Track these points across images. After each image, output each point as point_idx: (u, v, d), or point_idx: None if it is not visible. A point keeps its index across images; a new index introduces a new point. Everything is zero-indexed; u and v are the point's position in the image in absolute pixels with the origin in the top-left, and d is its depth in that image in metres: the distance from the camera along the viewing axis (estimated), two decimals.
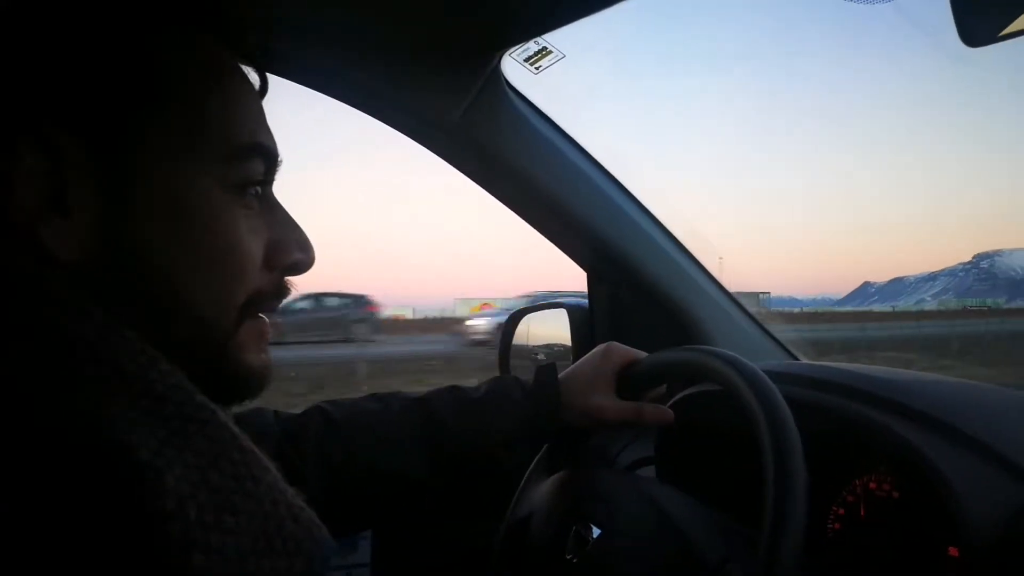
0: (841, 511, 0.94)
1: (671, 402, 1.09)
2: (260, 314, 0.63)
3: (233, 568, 0.43)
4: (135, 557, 0.40)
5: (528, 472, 1.09)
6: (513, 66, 1.19)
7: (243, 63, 0.64)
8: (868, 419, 0.87)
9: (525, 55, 1.16)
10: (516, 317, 1.69)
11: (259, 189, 0.62)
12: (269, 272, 0.62)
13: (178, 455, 0.43)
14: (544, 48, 1.14)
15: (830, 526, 0.95)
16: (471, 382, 1.05)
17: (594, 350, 1.06)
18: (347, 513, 0.93)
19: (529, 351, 1.67)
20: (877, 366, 1.07)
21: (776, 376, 0.84)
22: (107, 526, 0.40)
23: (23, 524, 0.39)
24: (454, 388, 1.03)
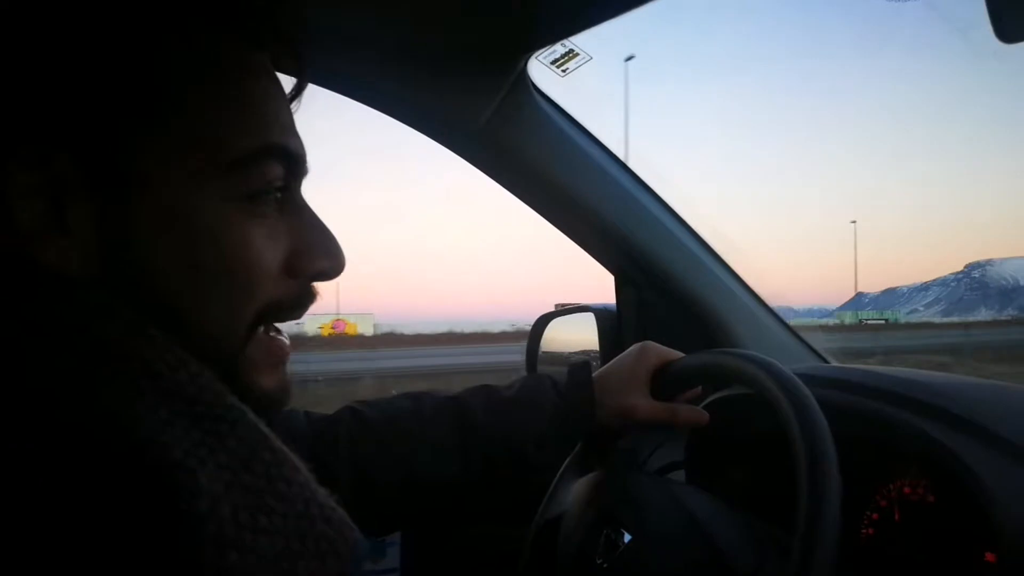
0: (875, 516, 0.93)
1: (702, 405, 1.09)
2: (277, 328, 0.61)
3: (267, 567, 0.43)
4: (170, 556, 0.40)
5: (560, 471, 1.09)
6: (540, 69, 1.19)
7: (274, 65, 0.62)
8: (902, 422, 0.86)
9: (552, 57, 1.16)
10: (543, 321, 1.69)
11: (278, 194, 0.58)
12: (291, 280, 0.59)
13: (211, 455, 0.43)
14: (571, 51, 1.14)
15: (864, 531, 0.93)
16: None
17: (629, 349, 1.05)
18: (379, 514, 0.93)
19: (556, 356, 1.67)
20: (909, 368, 1.06)
21: (808, 379, 0.83)
22: (143, 526, 0.40)
23: (60, 524, 0.39)
24: (486, 387, 1.02)
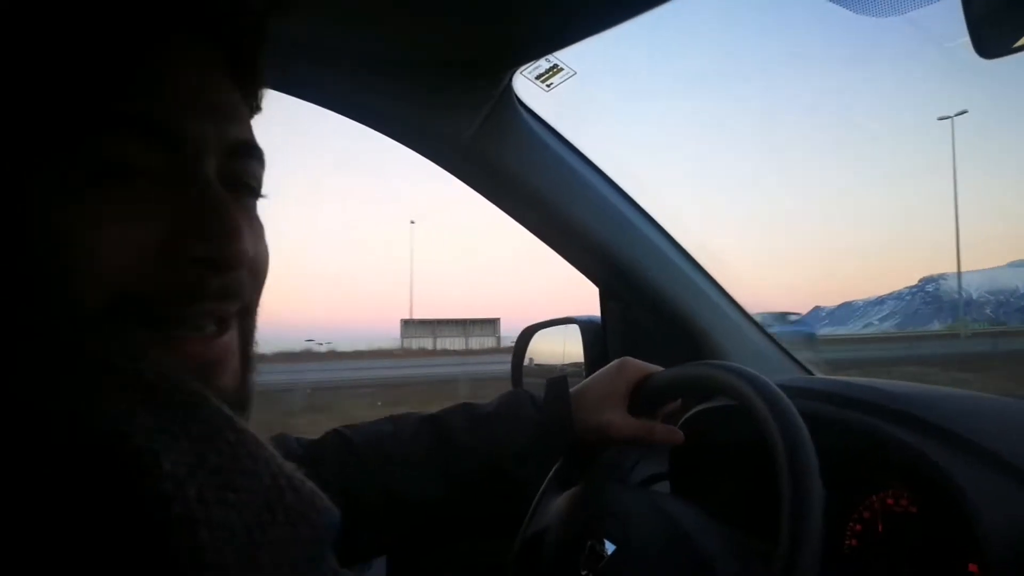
0: (858, 527, 0.93)
1: (685, 417, 1.09)
2: (168, 316, 0.54)
3: (240, 540, 0.42)
4: (141, 540, 0.40)
5: (542, 487, 1.09)
6: (525, 83, 1.20)
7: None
8: (884, 433, 0.87)
9: (536, 72, 1.16)
10: (528, 333, 1.69)
11: (157, 169, 0.53)
12: (169, 269, 0.52)
13: (174, 441, 0.43)
14: (555, 65, 1.15)
15: (847, 542, 0.94)
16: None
17: (609, 365, 1.06)
18: (366, 538, 0.94)
19: (542, 367, 1.67)
20: (893, 380, 1.07)
21: (791, 391, 0.84)
22: (109, 512, 0.40)
23: (23, 519, 0.39)
24: (466, 405, 1.03)
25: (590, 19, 1.03)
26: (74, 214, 0.50)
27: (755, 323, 1.45)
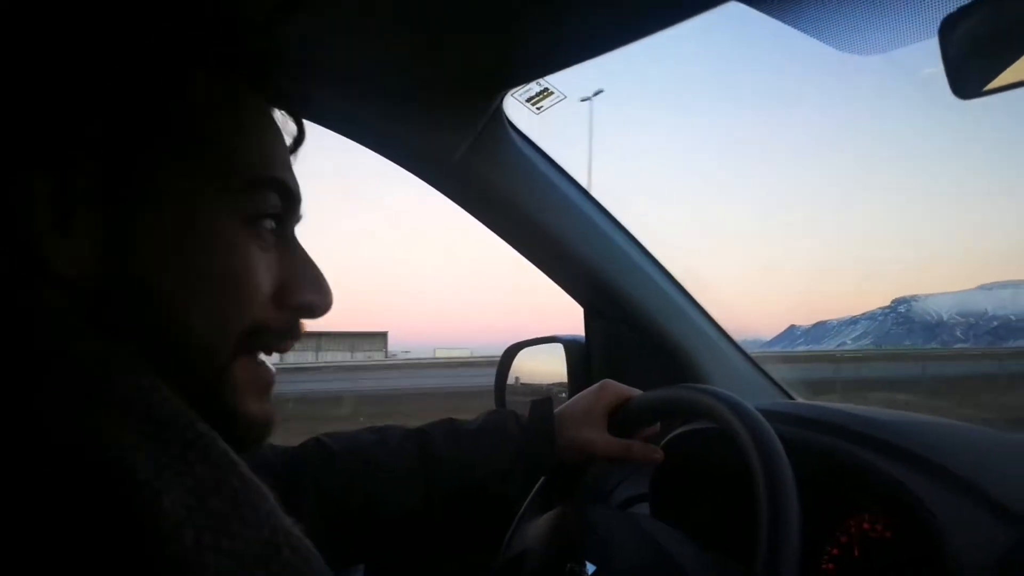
0: (835, 551, 0.94)
1: (666, 440, 1.10)
2: (263, 354, 0.61)
3: None
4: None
5: (523, 507, 1.10)
6: (515, 106, 1.22)
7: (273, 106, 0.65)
8: (861, 459, 0.88)
9: (527, 95, 1.18)
10: (512, 352, 1.69)
11: (275, 225, 0.61)
12: (278, 310, 0.60)
13: (177, 479, 0.43)
14: (546, 89, 1.16)
15: (824, 566, 0.95)
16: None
17: (591, 387, 1.07)
18: (344, 546, 0.94)
19: (524, 387, 1.67)
20: (871, 407, 1.08)
21: (770, 415, 0.85)
22: (105, 547, 0.39)
23: (21, 543, 0.39)
24: (450, 420, 1.04)
25: (582, 45, 1.04)
26: (237, 247, 0.57)
27: (737, 346, 1.47)
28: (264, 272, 0.59)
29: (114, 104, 0.53)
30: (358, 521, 0.94)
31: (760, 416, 0.81)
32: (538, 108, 1.21)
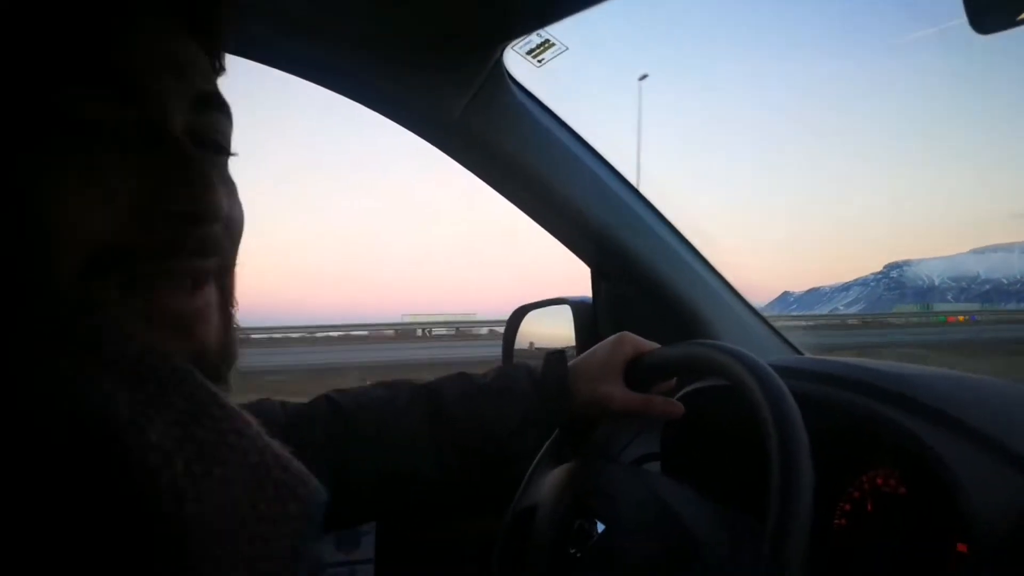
0: (847, 507, 0.93)
1: (677, 396, 1.09)
2: (144, 271, 0.52)
3: (228, 514, 0.42)
4: (128, 513, 0.40)
5: (535, 461, 1.09)
6: (516, 60, 1.19)
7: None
8: (875, 413, 0.87)
9: (527, 48, 1.15)
10: (520, 313, 1.69)
11: (107, 128, 0.51)
12: (145, 225, 0.51)
13: (158, 414, 0.43)
14: (547, 41, 1.13)
15: (836, 522, 0.94)
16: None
17: (607, 339, 1.05)
18: (354, 503, 0.93)
19: (532, 349, 1.67)
20: (883, 360, 1.06)
21: (783, 371, 0.83)
22: (96, 486, 0.39)
23: (12, 498, 0.39)
24: (462, 375, 1.02)
25: None
26: (41, 174, 0.48)
27: (746, 303, 1.45)
28: (91, 193, 0.49)
29: None
30: (368, 477, 0.94)
31: (774, 374, 0.80)
32: (539, 61, 1.18)
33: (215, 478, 0.42)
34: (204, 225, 0.54)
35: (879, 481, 0.90)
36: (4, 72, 0.48)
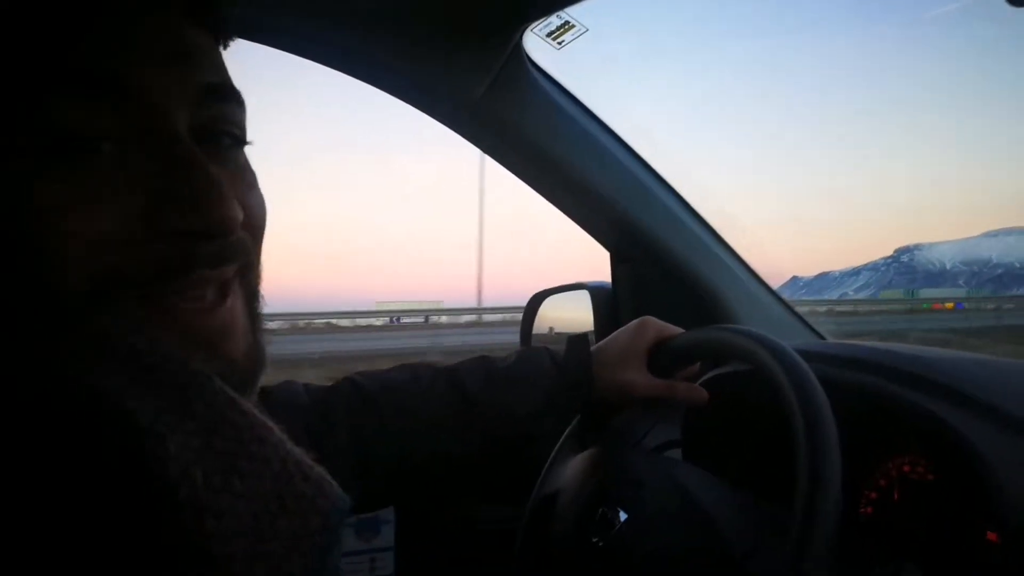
0: (873, 494, 0.92)
1: (700, 381, 1.08)
2: (160, 289, 0.50)
3: (247, 530, 0.41)
4: (147, 526, 0.39)
5: (557, 447, 1.08)
6: (535, 42, 1.17)
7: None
8: (902, 398, 0.85)
9: (547, 30, 1.13)
10: (537, 299, 1.68)
11: (104, 142, 0.48)
12: (153, 240, 0.49)
13: (178, 421, 0.42)
14: (567, 22, 1.11)
15: (862, 509, 0.93)
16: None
17: (629, 324, 1.04)
18: (374, 487, 0.93)
19: (551, 334, 1.66)
20: (909, 344, 1.05)
21: (807, 355, 0.82)
22: (115, 496, 0.39)
23: (29, 499, 0.38)
24: (484, 358, 1.02)
25: None
26: (39, 194, 0.45)
27: (767, 287, 1.43)
28: (93, 212, 0.47)
29: None
30: (391, 461, 0.94)
31: (802, 362, 0.79)
32: (559, 43, 1.16)
33: (236, 491, 0.42)
34: (215, 239, 0.51)
35: (906, 468, 0.88)
36: (5, 84, 0.46)
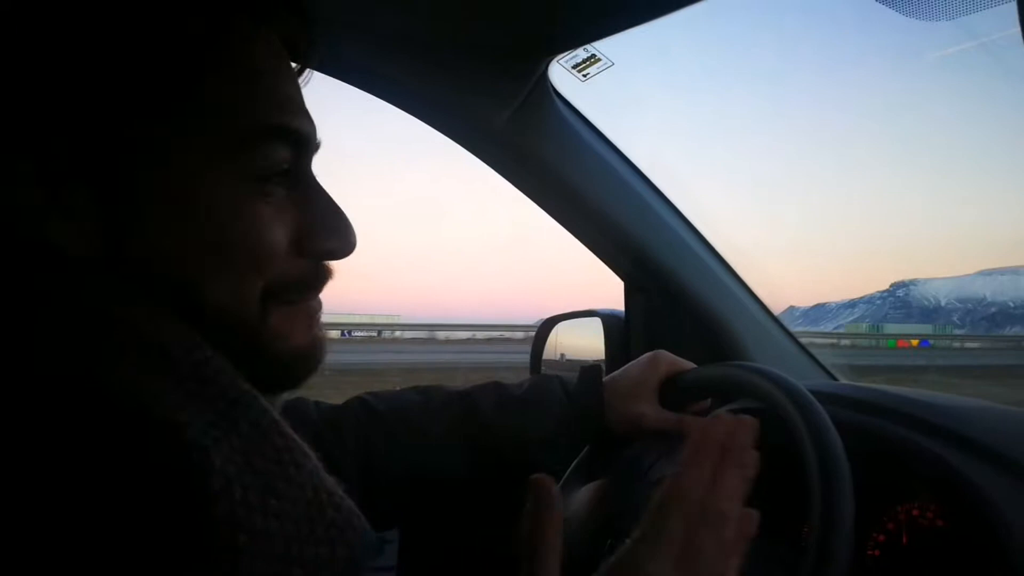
0: (881, 537, 0.92)
1: (710, 416, 1.08)
2: (298, 300, 0.59)
3: (277, 551, 0.42)
4: (182, 534, 0.40)
5: (565, 476, 1.08)
6: (560, 73, 1.19)
7: (288, 50, 0.61)
8: (913, 444, 0.85)
9: (573, 62, 1.15)
10: (548, 324, 1.68)
11: (286, 174, 0.57)
12: (298, 259, 0.58)
13: (224, 437, 0.43)
14: (593, 56, 1.13)
15: (870, 552, 0.93)
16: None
17: (642, 356, 1.05)
18: (383, 506, 0.93)
19: (560, 361, 1.65)
20: (921, 389, 1.05)
21: (819, 396, 0.82)
22: (156, 503, 0.40)
23: (75, 502, 0.39)
24: (497, 384, 1.02)
25: (630, 10, 1.01)
26: (244, 211, 0.54)
27: (780, 324, 1.44)
28: (276, 228, 0.56)
29: (83, 64, 0.50)
30: (399, 482, 0.94)
31: (817, 404, 0.79)
32: (584, 75, 1.18)
33: (270, 511, 0.43)
34: (340, 258, 0.61)
35: (915, 513, 0.88)
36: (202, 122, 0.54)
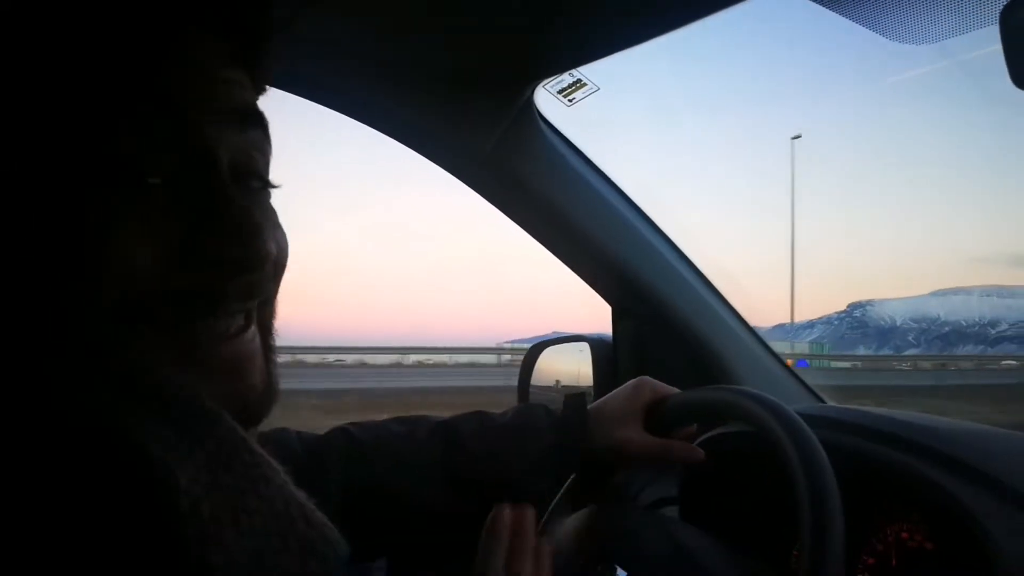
0: (870, 560, 0.91)
1: (698, 441, 1.08)
2: (204, 321, 0.53)
3: (251, 566, 0.42)
4: (153, 556, 0.39)
5: (551, 505, 1.08)
6: (546, 97, 1.19)
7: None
8: (902, 466, 0.85)
9: (559, 87, 1.16)
10: (536, 350, 1.67)
11: (155, 178, 0.50)
12: (188, 270, 0.50)
13: (190, 455, 0.42)
14: (579, 80, 1.14)
15: (859, 574, 0.92)
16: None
17: (626, 384, 1.05)
18: (367, 538, 0.92)
19: (548, 387, 1.65)
20: (910, 411, 1.05)
21: (808, 419, 0.82)
22: (124, 525, 0.39)
23: (40, 523, 0.38)
24: (480, 413, 1.02)
25: (615, 36, 1.02)
26: (91, 216, 0.48)
27: (767, 347, 1.44)
28: (139, 237, 0.49)
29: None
30: (382, 513, 0.93)
31: (805, 426, 0.79)
32: (570, 100, 1.18)
33: (241, 527, 0.42)
34: (250, 272, 0.53)
35: (904, 535, 0.88)
36: (51, 110, 0.49)
